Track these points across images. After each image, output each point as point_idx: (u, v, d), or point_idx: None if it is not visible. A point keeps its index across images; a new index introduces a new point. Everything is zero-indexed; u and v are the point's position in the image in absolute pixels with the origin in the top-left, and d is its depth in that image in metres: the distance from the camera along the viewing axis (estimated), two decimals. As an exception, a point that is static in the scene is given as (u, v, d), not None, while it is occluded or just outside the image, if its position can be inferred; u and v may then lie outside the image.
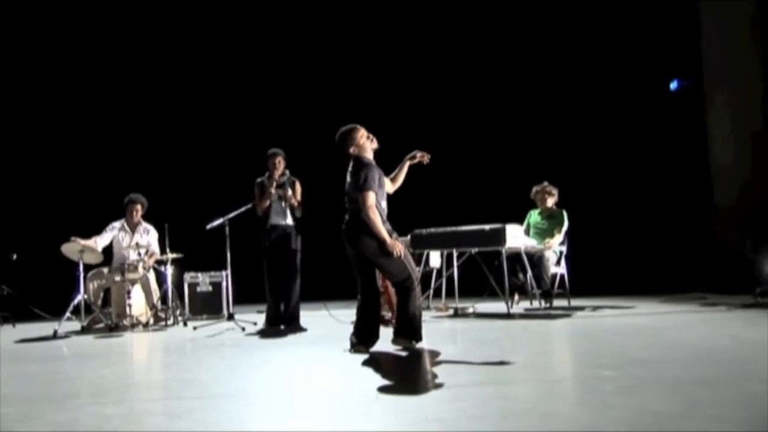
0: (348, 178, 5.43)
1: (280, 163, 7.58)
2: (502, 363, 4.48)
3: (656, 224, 11.60)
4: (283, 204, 7.55)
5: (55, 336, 7.28)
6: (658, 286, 10.30)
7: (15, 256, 9.31)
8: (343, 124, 5.52)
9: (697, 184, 10.76)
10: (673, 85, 11.03)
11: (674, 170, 11.39)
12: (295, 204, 7.55)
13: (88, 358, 5.68)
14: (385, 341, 5.36)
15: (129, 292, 7.77)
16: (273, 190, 7.49)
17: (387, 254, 5.22)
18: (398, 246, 5.25)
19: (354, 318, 5.44)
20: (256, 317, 8.09)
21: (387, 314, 6.78)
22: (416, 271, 5.48)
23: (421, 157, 5.82)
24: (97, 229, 8.43)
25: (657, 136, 11.57)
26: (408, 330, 5.33)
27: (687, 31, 10.65)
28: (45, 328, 7.91)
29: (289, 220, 7.59)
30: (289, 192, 7.52)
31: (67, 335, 7.42)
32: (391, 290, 6.40)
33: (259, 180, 7.69)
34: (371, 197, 5.21)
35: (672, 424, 2.80)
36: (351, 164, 5.45)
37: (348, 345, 5.33)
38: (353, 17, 12.14)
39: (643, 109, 11.60)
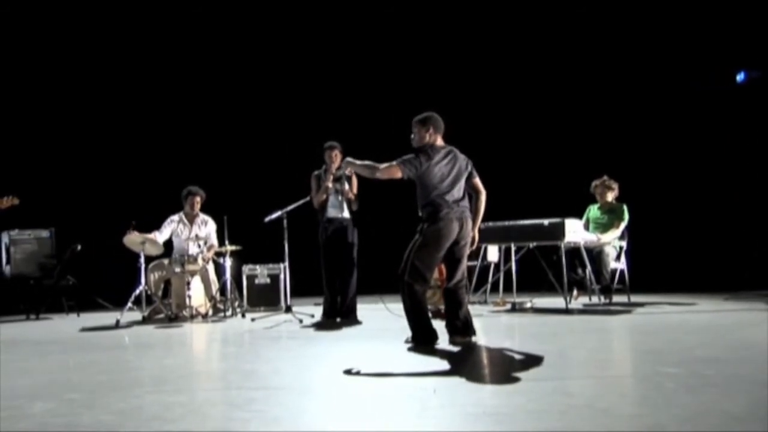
0: (443, 165, 5.29)
1: (337, 157, 7.57)
2: (560, 358, 4.43)
3: (719, 219, 11.30)
4: (340, 197, 7.57)
5: (117, 326, 7.46)
6: (722, 283, 10.03)
7: (79, 248, 9.55)
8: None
9: (763, 178, 10.47)
10: (741, 77, 10.73)
11: (739, 163, 11.09)
12: (352, 197, 7.56)
13: (150, 348, 5.80)
14: (441, 335, 5.35)
15: (189, 284, 7.92)
16: (330, 184, 7.51)
17: (473, 243, 5.46)
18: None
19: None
20: (314, 310, 8.16)
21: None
22: None
23: None
24: (158, 221, 8.59)
25: (722, 129, 11.28)
26: (465, 328, 5.36)
27: (756, 22, 10.35)
28: (107, 317, 8.11)
29: (346, 214, 7.61)
30: (346, 186, 7.54)
31: (128, 325, 7.60)
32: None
33: (315, 173, 7.72)
34: None
35: (737, 425, 2.72)
36: (445, 152, 5.34)
37: (405, 337, 5.35)
38: (407, 11, 12.10)
39: (708, 102, 11.31)
